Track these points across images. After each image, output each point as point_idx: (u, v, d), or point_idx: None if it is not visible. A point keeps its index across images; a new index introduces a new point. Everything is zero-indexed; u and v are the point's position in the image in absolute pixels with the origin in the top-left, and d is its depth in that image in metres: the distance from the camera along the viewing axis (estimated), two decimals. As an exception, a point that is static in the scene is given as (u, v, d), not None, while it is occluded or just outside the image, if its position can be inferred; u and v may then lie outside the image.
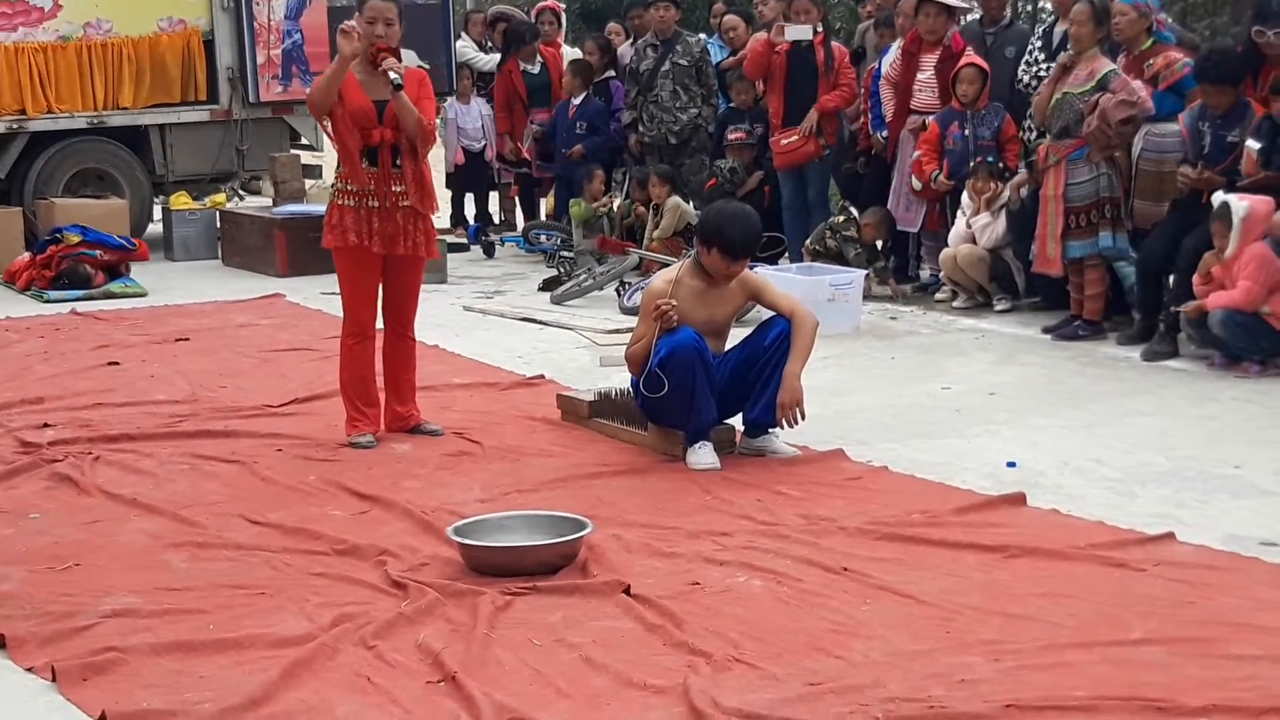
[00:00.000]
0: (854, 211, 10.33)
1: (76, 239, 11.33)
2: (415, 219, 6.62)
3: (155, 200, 13.86)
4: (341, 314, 6.81)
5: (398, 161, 6.56)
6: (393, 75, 6.40)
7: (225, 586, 4.83)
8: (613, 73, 12.61)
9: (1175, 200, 8.34)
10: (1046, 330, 8.94)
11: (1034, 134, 9.37)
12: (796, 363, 6.12)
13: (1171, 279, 8.32)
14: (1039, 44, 9.75)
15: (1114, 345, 8.47)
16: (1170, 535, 5.13)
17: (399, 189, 6.56)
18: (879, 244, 10.41)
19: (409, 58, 6.52)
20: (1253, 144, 7.77)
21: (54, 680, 4.09)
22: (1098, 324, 8.75)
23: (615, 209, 11.69)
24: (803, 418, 6.15)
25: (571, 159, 12.30)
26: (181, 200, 13.51)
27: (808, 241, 10.47)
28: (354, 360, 6.74)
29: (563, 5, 14.30)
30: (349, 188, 6.55)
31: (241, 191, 14.63)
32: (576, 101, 12.38)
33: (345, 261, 6.64)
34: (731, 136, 11.25)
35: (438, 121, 14.48)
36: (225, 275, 12.39)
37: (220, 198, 13.90)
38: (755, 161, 11.20)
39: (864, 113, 10.75)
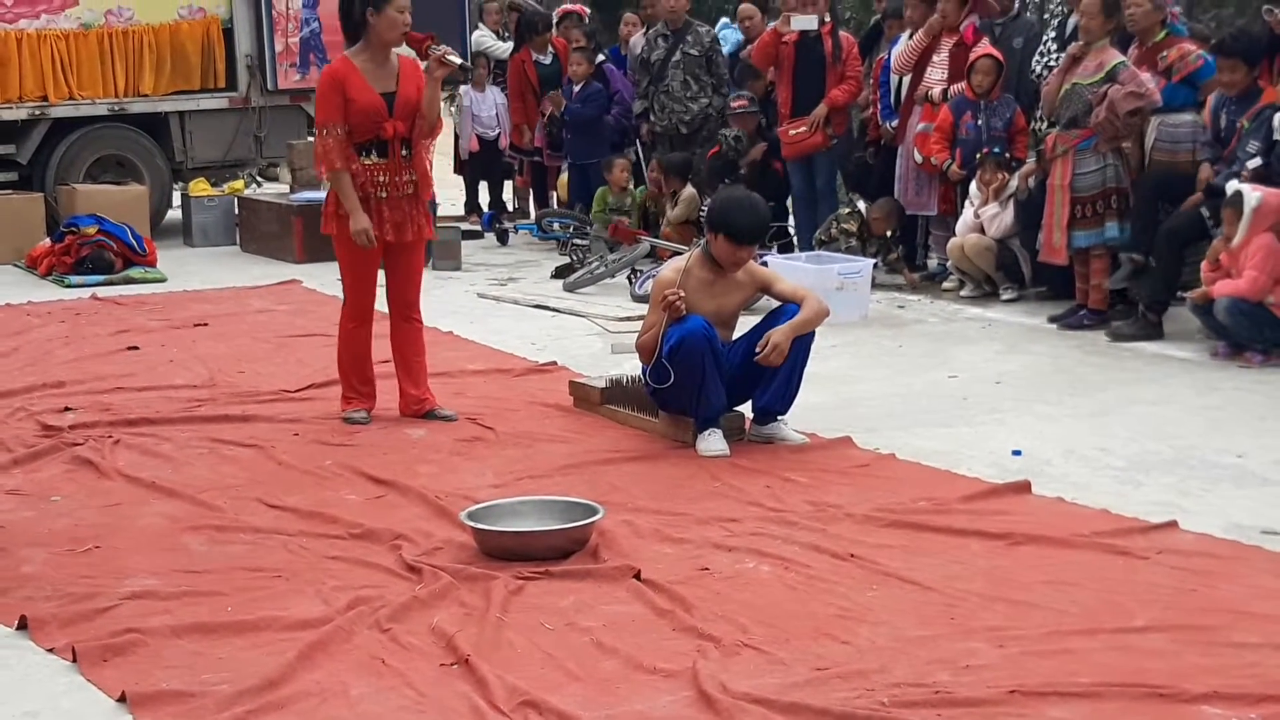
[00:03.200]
0: (860, 205, 10.37)
1: (93, 230, 11.42)
2: (417, 204, 6.75)
3: (174, 187, 13.95)
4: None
5: (405, 152, 6.64)
6: (454, 58, 6.52)
7: (242, 569, 4.92)
8: (602, 56, 12.68)
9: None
10: (1052, 319, 8.99)
11: (1044, 124, 9.41)
12: (795, 320, 6.16)
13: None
14: (1053, 35, 9.81)
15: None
16: (1173, 523, 5.19)
17: (405, 178, 6.66)
18: (889, 234, 10.46)
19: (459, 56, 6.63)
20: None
21: (74, 661, 4.18)
22: (1103, 313, 8.80)
23: (637, 197, 11.76)
24: (781, 359, 6.14)
25: (554, 111, 12.29)
26: (200, 187, 13.59)
27: (817, 232, 10.53)
28: (352, 342, 6.87)
29: (588, 10, 14.34)
30: (360, 178, 6.61)
31: (259, 178, 14.71)
32: (578, 87, 12.46)
33: (349, 248, 6.71)
34: (734, 104, 11.30)
35: (452, 109, 14.60)
36: (243, 261, 12.48)
37: (238, 184, 13.98)
38: (759, 132, 11.23)
39: (874, 103, 10.80)
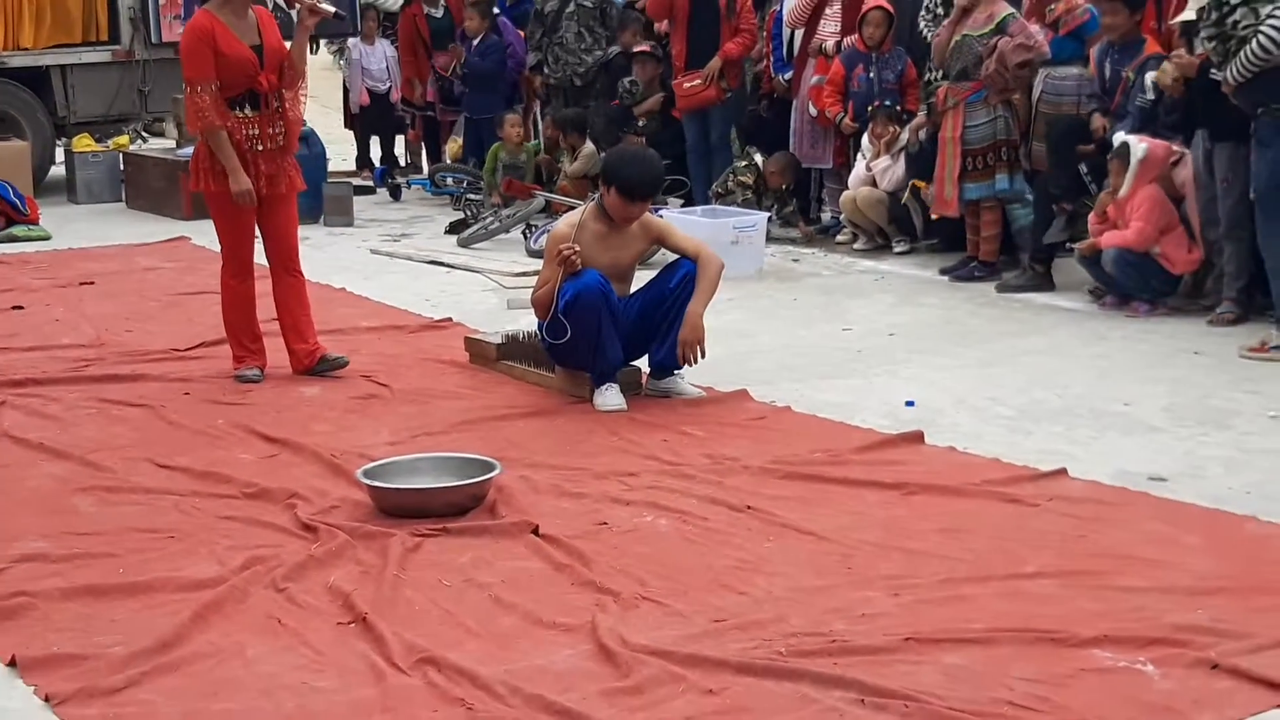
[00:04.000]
0: (757, 158, 10.41)
1: (-29, 187, 11.17)
2: (286, 155, 6.69)
3: (57, 142, 13.66)
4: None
5: (276, 103, 6.58)
6: (325, 5, 6.42)
7: (134, 530, 4.85)
8: (495, 10, 12.59)
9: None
10: (944, 271, 9.09)
11: (938, 75, 9.46)
12: (700, 301, 6.20)
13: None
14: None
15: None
16: (1062, 471, 5.27)
17: (276, 130, 6.60)
18: (785, 187, 10.49)
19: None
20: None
21: (-37, 626, 4.10)
22: (993, 265, 8.90)
23: (527, 152, 11.70)
24: (703, 355, 6.23)
25: (452, 66, 12.21)
26: (84, 143, 13.31)
27: (714, 184, 10.54)
28: (238, 300, 6.81)
29: None
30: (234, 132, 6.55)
31: (145, 134, 14.43)
32: (476, 41, 12.33)
33: (224, 204, 6.63)
34: (637, 49, 11.27)
35: (342, 63, 14.42)
36: (129, 218, 12.26)
37: (123, 140, 13.70)
38: (659, 80, 11.20)
39: (767, 55, 10.81)
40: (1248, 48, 6.79)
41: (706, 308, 6.22)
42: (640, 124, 11.14)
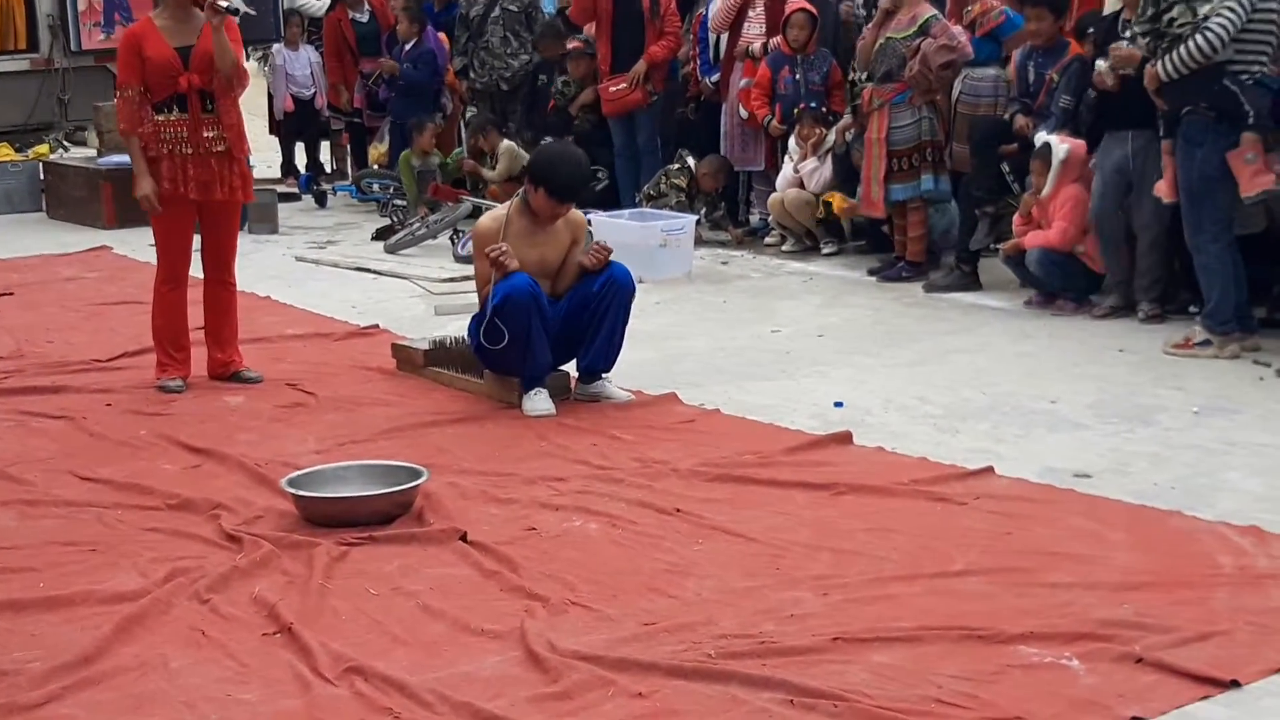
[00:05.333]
0: (690, 160, 10.42)
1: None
2: (229, 163, 6.61)
3: (-25, 152, 13.50)
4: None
5: (209, 106, 6.50)
6: (224, 3, 6.35)
7: (55, 544, 4.78)
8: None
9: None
10: (871, 272, 9.13)
11: (863, 76, 9.50)
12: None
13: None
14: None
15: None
16: (989, 469, 5.30)
17: (211, 134, 6.52)
18: (717, 190, 10.50)
19: (235, 2, 6.44)
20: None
21: (-122, 644, 4.02)
22: (920, 265, 8.95)
23: (452, 159, 11.65)
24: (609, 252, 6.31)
25: (387, 75, 12.13)
26: (3, 152, 13.16)
27: (645, 187, 10.54)
28: (167, 307, 6.74)
29: None
30: (163, 135, 6.50)
31: (66, 142, 14.28)
32: (409, 46, 12.26)
33: (160, 208, 6.59)
34: (570, 45, 11.25)
35: (266, 69, 14.31)
36: (50, 228, 12.11)
37: (43, 149, 13.55)
38: (592, 76, 11.19)
39: (693, 58, 10.83)
40: (1184, 45, 6.78)
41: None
42: (575, 122, 11.12)
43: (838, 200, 9.46)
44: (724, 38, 10.57)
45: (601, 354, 6.31)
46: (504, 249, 6.12)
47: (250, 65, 20.91)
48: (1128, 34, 7.37)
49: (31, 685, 3.73)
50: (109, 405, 6.49)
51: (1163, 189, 7.23)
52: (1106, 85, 7.45)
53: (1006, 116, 8.48)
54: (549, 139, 10.98)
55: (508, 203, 6.53)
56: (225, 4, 6.36)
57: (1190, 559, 4.45)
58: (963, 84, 8.77)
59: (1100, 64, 7.46)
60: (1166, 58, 6.88)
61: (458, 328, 6.82)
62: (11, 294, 9.10)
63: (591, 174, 6.65)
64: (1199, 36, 6.76)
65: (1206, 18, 6.77)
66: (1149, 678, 3.66)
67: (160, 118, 6.51)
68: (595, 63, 11.07)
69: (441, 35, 12.28)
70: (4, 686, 3.74)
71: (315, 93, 13.74)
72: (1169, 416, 6.01)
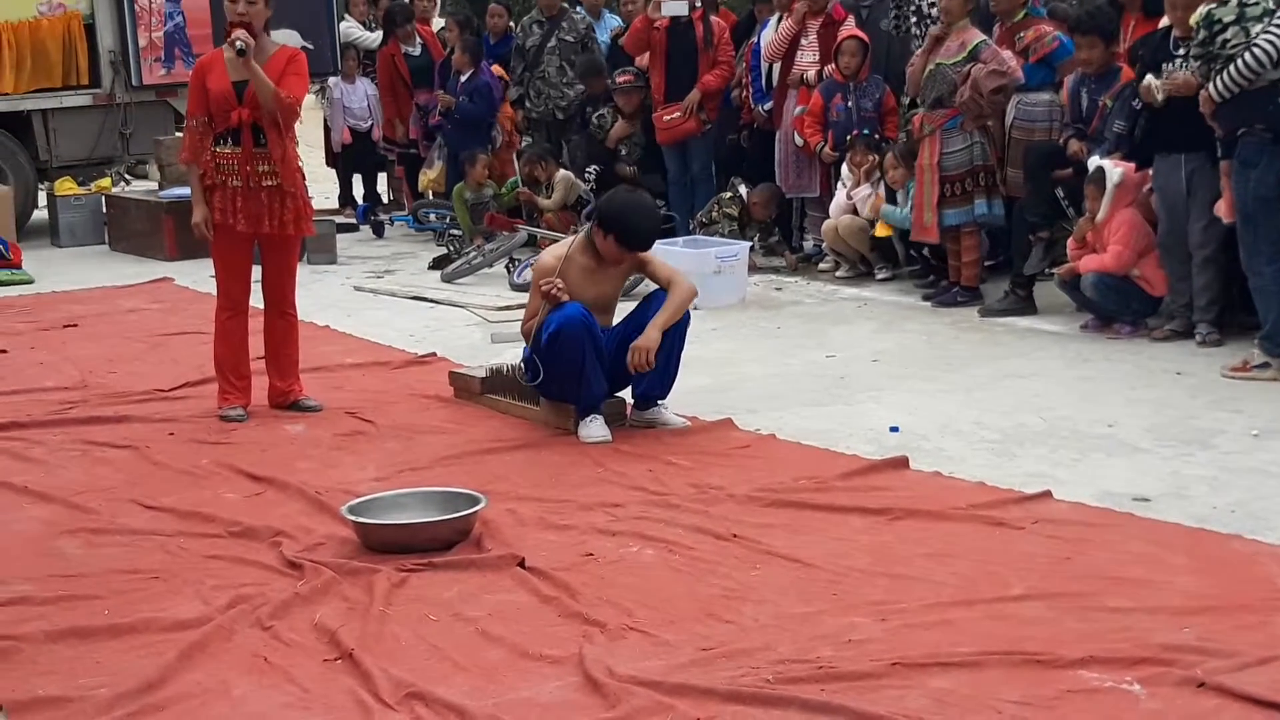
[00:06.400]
0: (741, 190, 10.44)
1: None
2: (283, 197, 6.67)
3: (40, 186, 13.67)
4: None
5: (261, 140, 6.59)
6: (238, 43, 6.45)
7: (119, 572, 4.83)
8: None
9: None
10: (926, 297, 9.12)
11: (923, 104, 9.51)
12: (661, 317, 6.20)
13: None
14: (913, 17, 9.94)
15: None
16: (1047, 493, 5.28)
17: (264, 168, 6.61)
18: (769, 217, 10.53)
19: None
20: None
21: (-50, 672, 4.08)
22: (975, 290, 8.93)
23: (507, 188, 11.72)
24: (650, 365, 6.19)
25: (443, 109, 12.21)
26: (66, 186, 13.33)
27: (698, 214, 10.58)
28: (227, 335, 6.83)
29: None
30: (219, 166, 6.62)
31: (127, 176, 14.46)
32: (464, 77, 12.35)
33: (216, 238, 6.72)
34: (620, 79, 11.31)
35: (323, 101, 14.44)
36: (112, 260, 12.26)
37: (105, 182, 13.72)
38: (642, 107, 11.23)
39: (745, 86, 10.85)
40: (1237, 62, 6.79)
41: (665, 325, 6.20)
42: (624, 151, 11.17)
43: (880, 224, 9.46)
44: (776, 66, 10.59)
45: (658, 380, 6.33)
46: (558, 284, 6.15)
47: (309, 98, 21.23)
48: (1181, 52, 7.35)
49: (97, 712, 3.77)
50: (171, 434, 6.56)
51: (1223, 209, 7.22)
52: (1155, 100, 7.42)
53: (1061, 142, 8.46)
54: (596, 167, 11.08)
55: (570, 239, 6.56)
56: (239, 45, 6.45)
57: (1252, 583, 4.41)
58: (1017, 109, 8.75)
59: (1149, 79, 7.44)
60: (1218, 78, 6.88)
61: (514, 355, 6.86)
62: (75, 325, 9.21)
63: (662, 221, 6.58)
64: (1247, 54, 6.76)
65: (1264, 33, 6.77)
66: (1211, 702, 3.63)
67: (217, 149, 6.62)
68: (645, 95, 11.11)
69: (496, 67, 12.36)
70: (70, 713, 3.78)
71: (372, 124, 13.85)
72: (1228, 440, 5.97)
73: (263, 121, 6.58)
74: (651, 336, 6.17)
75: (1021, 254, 8.63)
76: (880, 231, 9.59)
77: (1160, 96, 7.38)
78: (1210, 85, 6.93)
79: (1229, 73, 6.83)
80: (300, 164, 6.79)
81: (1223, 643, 3.95)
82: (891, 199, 9.41)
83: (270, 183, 6.63)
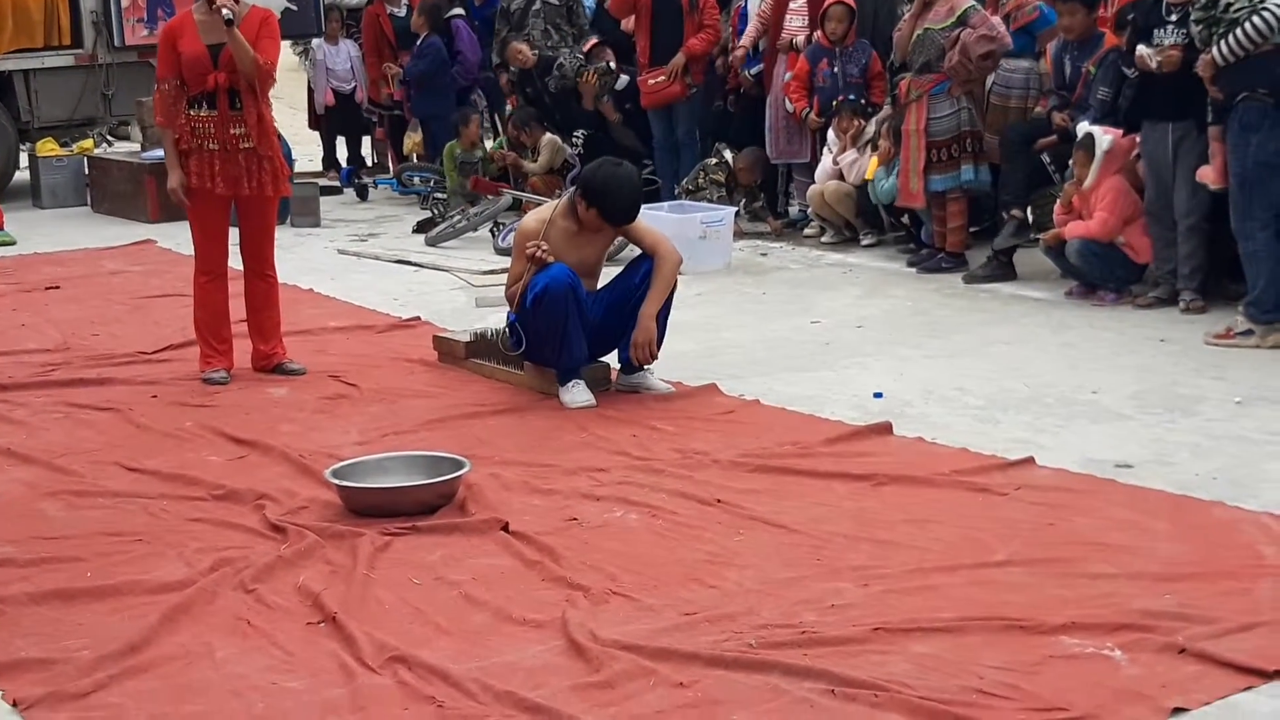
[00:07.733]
0: (727, 155, 10.42)
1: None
2: (259, 160, 6.67)
3: (21, 147, 13.59)
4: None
5: (236, 104, 6.56)
6: (225, 12, 6.41)
7: (102, 534, 4.83)
8: (460, 11, 12.49)
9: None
10: (911, 263, 9.11)
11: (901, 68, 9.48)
12: (653, 302, 6.19)
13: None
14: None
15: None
16: (1030, 460, 5.29)
17: (238, 131, 6.59)
18: (755, 183, 10.51)
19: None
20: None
21: (-69, 633, 4.08)
22: (960, 256, 8.93)
23: (489, 151, 11.69)
24: (654, 357, 6.23)
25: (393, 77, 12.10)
26: (48, 147, 13.25)
27: (684, 180, 10.55)
28: (206, 299, 6.82)
29: None
30: (194, 130, 6.59)
31: (110, 137, 14.37)
32: (420, 40, 12.30)
33: (193, 202, 6.70)
34: (585, 47, 11.29)
35: (306, 63, 14.35)
36: (95, 222, 12.22)
37: (88, 144, 13.64)
38: (604, 85, 11.16)
39: (731, 50, 10.80)
40: (1241, 28, 6.76)
41: (660, 307, 6.21)
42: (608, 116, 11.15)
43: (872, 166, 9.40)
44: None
45: (639, 346, 6.33)
46: (543, 246, 6.13)
47: (292, 60, 21.11)
48: (1173, 18, 7.32)
49: (79, 674, 3.78)
50: (154, 397, 6.55)
51: (1209, 175, 7.21)
52: (1149, 68, 7.40)
53: (1044, 111, 8.45)
54: (583, 132, 11.04)
55: (553, 203, 6.54)
56: (226, 14, 6.41)
57: (1233, 549, 4.43)
58: (995, 75, 8.75)
59: (1142, 49, 7.41)
60: (1222, 41, 6.85)
61: (498, 319, 6.85)
62: (57, 288, 9.19)
63: (643, 195, 6.54)
64: (1256, 18, 6.75)
65: (1264, 1, 6.75)
66: (1192, 668, 3.65)
67: (192, 113, 6.60)
68: (608, 52, 11.04)
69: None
70: (53, 675, 3.79)
71: (355, 87, 13.77)
72: (1211, 407, 5.99)
73: (239, 85, 6.56)
74: (648, 328, 6.17)
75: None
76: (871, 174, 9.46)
77: (1153, 65, 7.36)
78: (1214, 49, 6.90)
79: (1234, 36, 6.81)
80: (275, 125, 6.77)
81: (1204, 609, 3.97)
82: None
83: (246, 145, 6.62)
